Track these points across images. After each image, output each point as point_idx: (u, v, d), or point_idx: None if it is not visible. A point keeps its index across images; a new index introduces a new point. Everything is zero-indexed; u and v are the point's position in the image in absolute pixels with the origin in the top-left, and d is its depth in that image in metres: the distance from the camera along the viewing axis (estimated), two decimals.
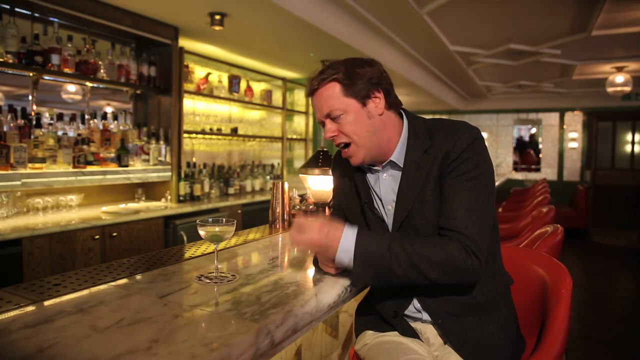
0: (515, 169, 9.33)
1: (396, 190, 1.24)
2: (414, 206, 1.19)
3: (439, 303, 1.20)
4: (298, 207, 2.34)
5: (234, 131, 4.75)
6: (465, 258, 1.07)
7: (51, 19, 2.95)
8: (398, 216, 1.22)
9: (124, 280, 1.23)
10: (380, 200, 1.29)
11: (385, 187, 1.28)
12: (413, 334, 1.24)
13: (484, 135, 9.32)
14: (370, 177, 1.32)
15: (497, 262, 1.27)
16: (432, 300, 1.21)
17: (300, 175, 2.08)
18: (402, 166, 1.23)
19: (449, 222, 1.12)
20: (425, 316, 1.24)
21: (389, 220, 1.27)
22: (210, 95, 4.36)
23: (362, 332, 1.35)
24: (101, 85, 3.39)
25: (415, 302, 1.25)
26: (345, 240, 1.13)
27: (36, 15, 2.88)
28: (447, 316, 1.20)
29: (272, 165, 5.46)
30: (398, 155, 1.24)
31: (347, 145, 1.23)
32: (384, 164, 1.26)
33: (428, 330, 1.25)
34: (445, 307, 1.20)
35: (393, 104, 1.24)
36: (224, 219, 1.22)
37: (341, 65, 1.20)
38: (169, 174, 3.68)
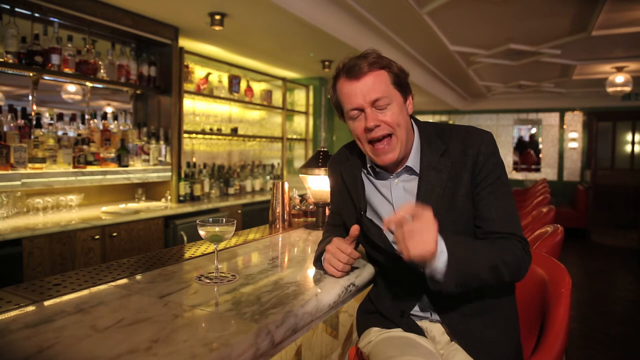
0: (516, 169, 9.33)
1: (413, 196, 1.21)
2: (439, 210, 1.13)
3: (448, 302, 1.20)
4: (298, 207, 2.35)
5: (234, 131, 4.75)
6: (525, 257, 1.13)
7: (51, 19, 2.95)
8: None
9: (124, 281, 1.23)
10: (392, 206, 1.26)
11: (398, 194, 1.25)
12: (419, 331, 1.24)
13: None
14: (379, 183, 1.29)
15: None
16: (441, 299, 1.21)
17: (300, 175, 2.08)
18: (418, 171, 1.22)
19: (503, 226, 1.15)
20: (435, 316, 1.24)
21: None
22: (210, 95, 4.36)
23: (365, 329, 1.35)
24: (101, 85, 3.39)
25: (422, 301, 1.25)
26: (440, 244, 1.04)
27: (36, 15, 2.88)
28: (455, 315, 1.20)
29: (272, 165, 5.46)
30: (414, 160, 1.23)
31: (385, 137, 1.17)
32: (398, 170, 1.24)
33: (434, 329, 1.25)
34: (454, 306, 1.20)
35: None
36: (224, 219, 1.22)
37: (385, 58, 1.18)
38: (169, 174, 3.68)
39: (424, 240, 0.97)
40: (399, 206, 1.24)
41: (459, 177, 1.17)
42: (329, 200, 2.06)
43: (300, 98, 5.95)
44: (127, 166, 3.32)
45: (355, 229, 1.22)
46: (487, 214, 1.16)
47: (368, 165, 1.29)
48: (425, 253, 0.98)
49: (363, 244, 1.36)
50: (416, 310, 1.27)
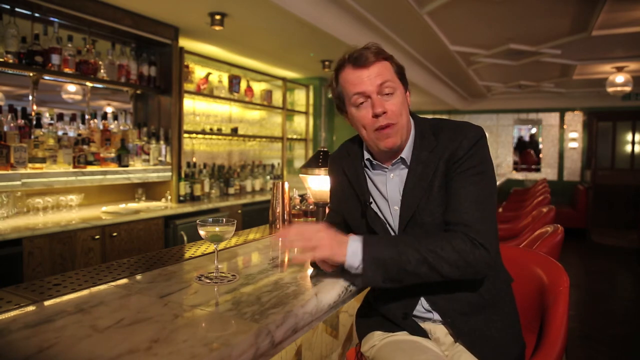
0: (516, 169, 9.33)
1: (402, 190, 1.24)
2: (421, 204, 1.20)
3: (447, 302, 1.20)
4: (298, 207, 2.34)
5: (234, 131, 4.75)
6: (473, 250, 1.08)
7: (51, 19, 2.95)
8: (404, 215, 1.22)
9: (124, 280, 1.23)
10: (387, 201, 1.28)
11: (392, 187, 1.27)
12: (423, 334, 1.24)
13: None
14: (376, 178, 1.31)
15: (499, 260, 1.28)
16: (440, 299, 1.21)
17: (301, 175, 2.08)
18: (408, 164, 1.24)
19: (455, 215, 1.13)
20: (436, 316, 1.24)
21: (394, 221, 1.26)
22: (210, 95, 4.37)
23: (367, 333, 1.33)
24: (101, 85, 3.39)
25: (424, 302, 1.24)
26: (352, 244, 1.13)
27: (36, 15, 2.88)
28: (456, 315, 1.20)
29: (272, 165, 5.46)
30: (407, 152, 1.25)
31: (389, 125, 1.20)
32: (394, 161, 1.26)
33: (438, 330, 1.24)
34: (453, 305, 1.20)
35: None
36: (224, 219, 1.22)
37: (385, 51, 1.23)
38: (169, 174, 3.68)
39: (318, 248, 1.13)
40: (392, 199, 1.27)
41: (438, 168, 1.19)
42: (329, 200, 2.06)
43: (300, 98, 5.95)
44: (127, 166, 3.32)
45: None
46: (450, 203, 1.16)
47: (365, 158, 1.32)
48: (326, 257, 1.14)
49: None
50: (419, 311, 1.26)
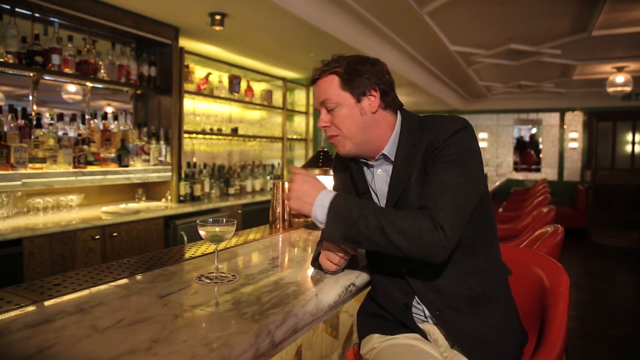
0: (516, 169, 9.33)
1: (388, 184, 1.27)
2: (402, 196, 1.22)
3: (436, 295, 1.20)
4: None
5: (234, 131, 4.75)
6: (432, 229, 1.06)
7: (51, 19, 2.95)
8: (388, 206, 1.25)
9: (124, 281, 1.23)
10: (377, 196, 1.33)
11: (380, 182, 1.31)
12: (421, 334, 1.24)
13: (484, 135, 9.32)
14: (367, 174, 1.36)
15: (494, 254, 1.28)
16: (429, 292, 1.21)
17: None
18: (393, 159, 1.26)
19: (423, 200, 1.14)
20: (426, 311, 1.23)
21: None
22: (210, 95, 4.37)
23: (367, 335, 1.33)
24: (101, 86, 3.39)
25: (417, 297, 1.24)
26: (323, 197, 1.17)
27: (36, 15, 2.88)
28: (444, 309, 1.19)
29: (273, 166, 5.46)
30: (390, 149, 1.27)
31: (333, 136, 1.28)
32: (376, 157, 1.29)
33: (436, 332, 1.24)
34: (442, 299, 1.19)
35: (390, 104, 1.27)
36: (224, 219, 1.22)
37: (344, 60, 1.24)
38: (169, 174, 3.68)
39: (297, 197, 1.19)
40: (381, 194, 1.31)
41: (416, 161, 1.21)
42: None
43: (300, 98, 5.95)
44: (127, 166, 3.32)
45: None
46: (423, 190, 1.17)
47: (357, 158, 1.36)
48: (297, 207, 1.20)
49: None
50: (416, 307, 1.26)
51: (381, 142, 1.27)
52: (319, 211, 1.16)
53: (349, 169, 1.39)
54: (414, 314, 1.27)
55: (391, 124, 1.28)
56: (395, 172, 1.25)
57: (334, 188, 1.50)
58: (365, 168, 1.36)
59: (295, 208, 1.21)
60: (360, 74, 1.22)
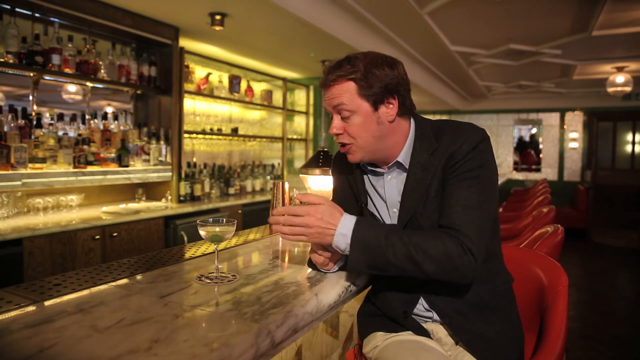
0: (516, 169, 9.33)
1: (401, 192, 1.23)
2: (418, 208, 1.19)
3: (446, 302, 1.20)
4: None
5: (235, 131, 4.75)
6: (462, 254, 1.06)
7: (52, 19, 2.95)
8: (402, 218, 1.22)
9: (124, 281, 1.23)
10: (385, 203, 1.28)
11: (391, 189, 1.27)
12: (425, 333, 1.23)
13: None
14: (374, 179, 1.31)
15: (499, 261, 1.28)
16: (439, 299, 1.21)
17: (301, 175, 2.08)
18: (407, 167, 1.23)
19: (447, 219, 1.12)
20: (436, 316, 1.23)
21: (393, 223, 1.27)
22: (210, 95, 4.37)
23: (369, 334, 1.33)
24: (101, 86, 3.39)
25: (423, 301, 1.24)
26: (344, 225, 1.12)
27: (37, 15, 2.88)
28: (454, 315, 1.19)
29: (273, 166, 5.46)
30: (404, 156, 1.23)
31: (346, 144, 1.22)
32: (389, 165, 1.25)
33: (440, 330, 1.24)
34: (452, 305, 1.19)
35: (406, 110, 1.22)
36: (225, 219, 1.22)
37: (360, 63, 1.15)
38: (170, 174, 3.68)
39: (318, 232, 1.13)
40: (391, 201, 1.26)
41: (436, 173, 1.18)
42: (331, 199, 2.06)
43: (300, 98, 5.95)
44: (127, 166, 3.32)
45: None
46: (443, 206, 1.14)
47: (361, 163, 1.31)
48: (318, 242, 1.16)
49: None
50: (420, 310, 1.26)
51: (395, 149, 1.23)
52: (341, 240, 1.12)
53: (349, 177, 1.36)
54: (416, 316, 1.27)
55: (405, 130, 1.24)
56: (411, 180, 1.21)
57: (333, 189, 1.50)
58: (370, 174, 1.32)
59: (315, 243, 1.17)
60: (378, 79, 1.14)
